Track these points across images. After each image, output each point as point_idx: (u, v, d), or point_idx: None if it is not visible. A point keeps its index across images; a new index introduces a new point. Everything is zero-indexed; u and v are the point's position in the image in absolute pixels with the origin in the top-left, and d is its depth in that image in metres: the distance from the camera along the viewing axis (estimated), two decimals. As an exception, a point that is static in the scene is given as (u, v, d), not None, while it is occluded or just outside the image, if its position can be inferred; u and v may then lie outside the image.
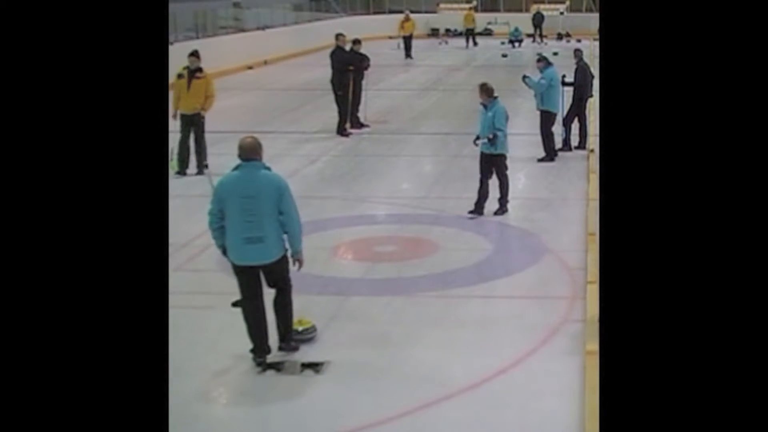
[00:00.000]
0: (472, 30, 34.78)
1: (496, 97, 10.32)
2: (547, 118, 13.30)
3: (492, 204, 10.47)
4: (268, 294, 6.54)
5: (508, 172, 10.52)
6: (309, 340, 6.77)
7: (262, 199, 6.26)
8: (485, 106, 10.31)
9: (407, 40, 29.99)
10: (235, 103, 20.33)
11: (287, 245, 6.42)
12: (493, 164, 10.37)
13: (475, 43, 34.43)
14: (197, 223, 9.78)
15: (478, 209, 10.38)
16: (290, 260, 6.48)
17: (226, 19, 29.23)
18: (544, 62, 13.54)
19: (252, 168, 6.34)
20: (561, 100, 13.58)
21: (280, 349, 6.57)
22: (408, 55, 29.75)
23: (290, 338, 6.62)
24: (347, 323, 7.32)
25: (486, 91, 10.27)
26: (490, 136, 10.14)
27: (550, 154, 13.31)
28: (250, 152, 6.38)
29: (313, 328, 6.84)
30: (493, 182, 10.50)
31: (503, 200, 10.51)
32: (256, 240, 6.23)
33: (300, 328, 6.77)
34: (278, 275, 6.48)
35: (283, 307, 6.57)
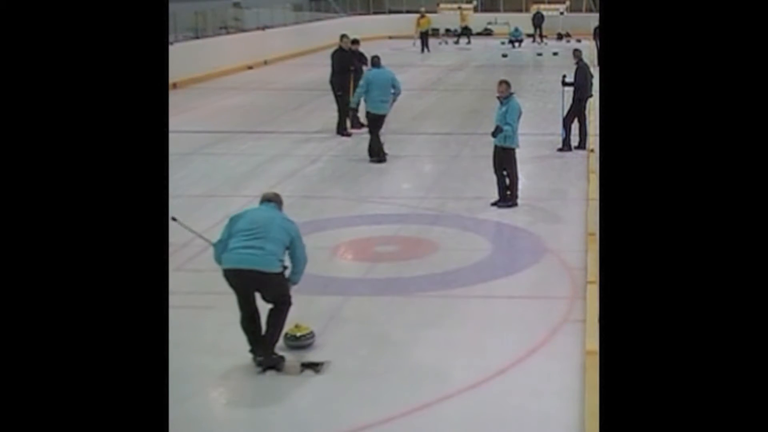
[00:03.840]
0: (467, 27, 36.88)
1: (512, 93, 10.77)
2: (373, 120, 13.34)
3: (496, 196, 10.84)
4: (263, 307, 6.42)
5: (518, 167, 10.92)
6: (307, 347, 6.69)
7: (272, 228, 6.31)
8: (501, 102, 10.70)
9: (423, 36, 32.35)
10: (235, 103, 20.34)
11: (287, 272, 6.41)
12: (502, 157, 10.74)
13: (468, 42, 35.66)
14: (197, 223, 9.80)
15: (501, 200, 10.81)
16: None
17: (226, 19, 29.24)
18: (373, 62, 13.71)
19: (269, 205, 6.55)
20: (387, 100, 13.49)
21: (259, 363, 6.29)
22: (425, 49, 31.94)
23: (271, 352, 6.33)
24: (347, 323, 7.32)
25: (504, 85, 10.78)
26: (494, 129, 10.64)
27: (378, 155, 13.36)
28: (270, 197, 6.64)
29: (311, 334, 6.72)
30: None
31: (512, 194, 10.81)
32: (255, 248, 6.21)
33: (298, 334, 6.67)
34: (277, 291, 6.32)
35: (276, 318, 6.34)
